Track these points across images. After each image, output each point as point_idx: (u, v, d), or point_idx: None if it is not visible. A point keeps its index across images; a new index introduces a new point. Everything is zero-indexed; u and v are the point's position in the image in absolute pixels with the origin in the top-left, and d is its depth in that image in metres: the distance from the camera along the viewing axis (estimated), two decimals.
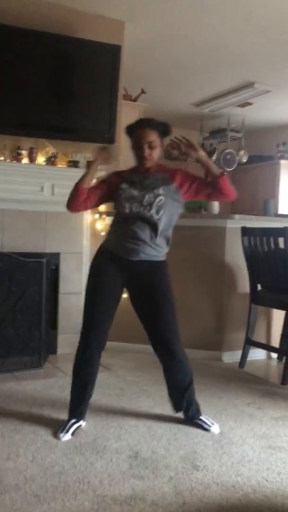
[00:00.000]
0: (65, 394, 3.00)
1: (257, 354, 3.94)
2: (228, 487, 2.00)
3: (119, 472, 2.09)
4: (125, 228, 2.44)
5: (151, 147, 2.40)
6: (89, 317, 2.51)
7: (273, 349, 3.90)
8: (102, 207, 4.03)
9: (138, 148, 2.42)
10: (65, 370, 3.51)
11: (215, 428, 2.56)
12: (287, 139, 7.59)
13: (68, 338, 3.97)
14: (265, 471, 2.15)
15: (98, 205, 2.62)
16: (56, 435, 2.43)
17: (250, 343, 3.70)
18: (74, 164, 3.81)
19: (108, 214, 4.05)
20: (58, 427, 2.50)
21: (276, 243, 3.38)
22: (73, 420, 2.50)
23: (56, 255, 3.90)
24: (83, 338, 2.51)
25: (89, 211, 3.99)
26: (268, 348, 3.91)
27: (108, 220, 4.07)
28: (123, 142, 4.21)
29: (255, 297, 3.68)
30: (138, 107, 5.15)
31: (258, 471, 2.15)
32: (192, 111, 6.81)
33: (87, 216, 4.00)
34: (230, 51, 4.71)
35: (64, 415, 2.65)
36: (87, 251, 4.01)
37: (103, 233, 4.03)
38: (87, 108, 3.83)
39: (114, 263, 2.48)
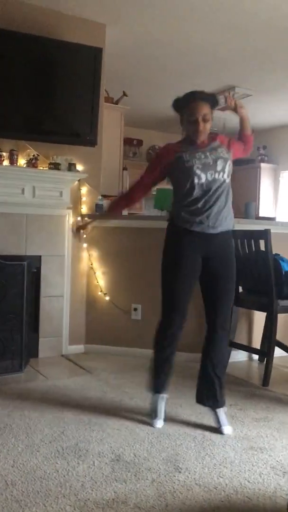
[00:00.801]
0: (47, 398, 2.98)
1: (239, 356, 3.97)
2: (210, 489, 2.01)
3: (101, 476, 2.08)
4: (204, 198, 2.48)
5: (204, 120, 2.45)
6: (171, 294, 2.55)
7: (254, 351, 3.94)
8: (84, 209, 4.04)
9: (192, 122, 2.45)
10: (46, 374, 3.48)
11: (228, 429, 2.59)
12: (267, 142, 7.68)
13: (49, 342, 3.95)
14: (247, 472, 2.16)
15: (154, 185, 2.71)
16: (152, 423, 2.59)
17: (231, 345, 3.71)
18: (55, 166, 3.79)
19: (90, 216, 4.04)
20: (39, 432, 2.47)
21: (257, 246, 3.41)
22: (160, 395, 2.62)
23: (37, 258, 3.87)
24: (166, 317, 2.58)
25: (70, 213, 3.98)
26: (250, 349, 3.94)
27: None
28: (104, 144, 4.22)
29: (236, 299, 3.67)
30: (120, 110, 5.16)
31: (240, 472, 2.16)
32: (174, 114, 6.83)
33: (69, 219, 3.98)
34: (212, 55, 4.75)
35: (46, 420, 2.63)
36: (69, 253, 4.00)
37: (85, 236, 4.03)
38: (68, 110, 3.82)
39: (193, 240, 2.51)
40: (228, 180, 2.53)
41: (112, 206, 2.86)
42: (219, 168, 2.48)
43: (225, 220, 2.53)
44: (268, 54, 4.66)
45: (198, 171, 2.45)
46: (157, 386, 2.66)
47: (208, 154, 2.50)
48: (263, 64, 4.93)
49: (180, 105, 2.54)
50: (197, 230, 2.49)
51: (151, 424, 2.61)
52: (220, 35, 4.27)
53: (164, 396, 2.67)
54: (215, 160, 2.49)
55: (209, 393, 2.61)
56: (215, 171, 2.47)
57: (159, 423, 2.61)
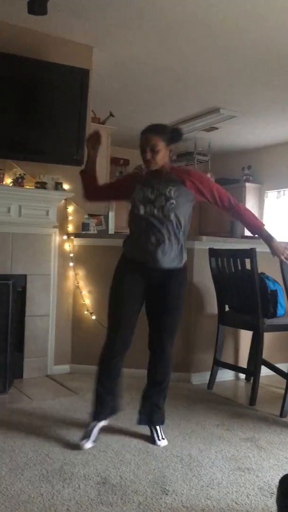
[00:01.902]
0: (31, 420, 2.93)
1: (226, 375, 3.96)
2: (198, 511, 1.98)
3: (87, 499, 2.04)
4: (142, 229, 2.58)
5: (153, 151, 2.54)
6: (114, 320, 2.63)
7: (241, 370, 3.93)
8: (71, 228, 4.04)
9: (142, 152, 2.58)
10: (31, 395, 3.43)
11: (162, 443, 2.64)
12: (252, 162, 7.80)
13: (34, 362, 3.90)
14: (234, 493, 2.14)
15: (117, 199, 2.93)
16: (79, 445, 2.54)
17: (218, 364, 3.71)
18: (41, 185, 3.80)
19: (76, 235, 4.04)
20: (23, 454, 2.43)
21: (243, 264, 3.43)
22: (94, 423, 2.63)
23: (23, 277, 3.84)
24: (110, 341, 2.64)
25: (57, 232, 3.97)
26: (236, 368, 3.93)
27: (76, 242, 4.05)
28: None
29: (222, 318, 3.70)
30: (107, 130, 5.20)
31: (228, 493, 2.14)
32: None
33: (56, 238, 3.98)
34: (197, 77, 4.84)
35: (31, 442, 2.58)
36: (54, 272, 3.98)
37: (71, 255, 4.02)
38: (55, 130, 3.84)
39: (134, 270, 2.63)
40: (170, 219, 2.53)
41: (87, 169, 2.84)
42: (157, 204, 2.54)
43: (166, 256, 2.57)
44: (252, 76, 4.76)
45: (138, 203, 2.58)
46: (95, 414, 2.67)
47: (153, 188, 2.57)
48: (248, 86, 5.03)
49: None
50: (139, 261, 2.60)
51: (79, 446, 2.54)
52: (206, 57, 4.36)
53: (101, 424, 2.68)
54: (156, 196, 2.56)
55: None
56: (154, 206, 2.54)
57: (88, 444, 2.56)
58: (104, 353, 2.65)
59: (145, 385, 2.75)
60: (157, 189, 2.56)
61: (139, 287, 2.62)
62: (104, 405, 2.65)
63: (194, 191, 2.59)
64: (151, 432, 2.68)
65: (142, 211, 2.55)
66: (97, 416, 2.65)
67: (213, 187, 2.65)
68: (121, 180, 2.74)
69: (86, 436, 2.58)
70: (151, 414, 2.70)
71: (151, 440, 2.65)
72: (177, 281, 2.63)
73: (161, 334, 2.65)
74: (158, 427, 2.69)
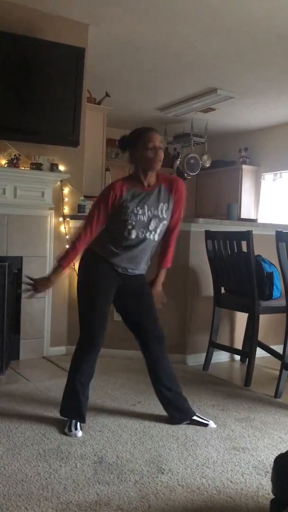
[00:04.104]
0: (28, 401, 2.95)
1: (221, 357, 3.99)
2: (193, 489, 2.01)
3: (83, 478, 2.07)
4: (128, 252, 2.48)
5: (160, 149, 2.41)
6: (94, 319, 2.54)
7: (236, 351, 3.96)
8: (66, 210, 4.01)
9: (150, 149, 2.37)
10: (28, 376, 3.45)
11: (212, 423, 2.68)
12: (249, 144, 7.75)
13: (31, 343, 3.91)
14: (229, 472, 2.17)
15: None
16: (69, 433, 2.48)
17: (214, 345, 3.74)
18: (37, 166, 3.76)
19: (72, 217, 4.02)
20: (20, 434, 2.45)
21: (239, 247, 3.43)
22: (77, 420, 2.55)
23: (19, 259, 3.83)
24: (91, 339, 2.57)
25: (52, 214, 3.95)
26: (232, 350, 3.96)
27: (72, 224, 4.03)
28: (87, 144, 4.20)
29: (218, 300, 3.72)
30: (102, 110, 5.14)
31: (223, 472, 2.17)
32: (156, 115, 6.86)
33: (51, 219, 3.95)
34: (194, 57, 4.77)
35: (28, 422, 2.60)
36: (51, 254, 3.96)
37: (67, 236, 4.00)
38: (51, 110, 3.79)
39: (112, 271, 2.50)
40: (158, 239, 2.53)
41: (63, 266, 2.48)
42: (151, 227, 2.47)
43: (142, 267, 2.58)
44: (251, 56, 4.69)
45: (130, 227, 2.43)
46: (82, 413, 2.56)
47: (146, 209, 2.44)
48: (246, 66, 4.97)
49: (133, 137, 2.43)
50: (115, 264, 2.50)
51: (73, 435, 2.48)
52: (203, 37, 4.29)
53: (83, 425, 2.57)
54: (150, 219, 2.45)
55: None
56: (147, 230, 2.46)
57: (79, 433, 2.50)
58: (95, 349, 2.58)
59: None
60: (150, 208, 2.44)
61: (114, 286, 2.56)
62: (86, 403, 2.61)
63: (172, 208, 2.52)
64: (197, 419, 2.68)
65: (133, 236, 2.44)
66: (84, 416, 2.57)
67: (182, 208, 2.57)
68: (104, 208, 2.41)
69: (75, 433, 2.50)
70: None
71: (204, 425, 2.65)
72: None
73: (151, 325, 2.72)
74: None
